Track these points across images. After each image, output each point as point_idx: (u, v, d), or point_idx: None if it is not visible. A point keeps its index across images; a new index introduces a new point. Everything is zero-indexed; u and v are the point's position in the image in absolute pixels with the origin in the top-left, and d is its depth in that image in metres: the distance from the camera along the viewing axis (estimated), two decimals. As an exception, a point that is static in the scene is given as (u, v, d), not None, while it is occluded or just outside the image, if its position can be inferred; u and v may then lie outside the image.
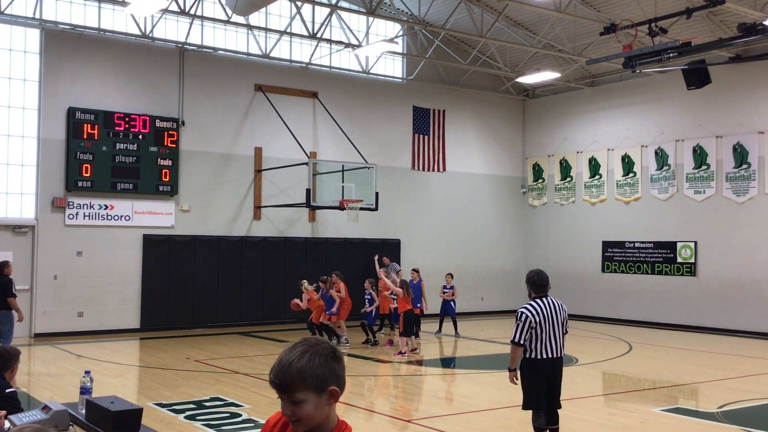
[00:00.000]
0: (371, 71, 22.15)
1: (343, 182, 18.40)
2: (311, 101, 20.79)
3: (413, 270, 17.19)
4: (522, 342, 7.26)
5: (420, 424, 9.08)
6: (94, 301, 17.48)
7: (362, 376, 13.26)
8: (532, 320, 7.21)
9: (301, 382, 2.36)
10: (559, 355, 7.39)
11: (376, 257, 18.42)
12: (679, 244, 20.40)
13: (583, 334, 18.73)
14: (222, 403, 9.90)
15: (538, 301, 7.35)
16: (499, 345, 16.61)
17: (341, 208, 17.82)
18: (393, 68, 22.83)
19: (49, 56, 17.20)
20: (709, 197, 19.80)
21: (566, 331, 7.48)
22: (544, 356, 7.29)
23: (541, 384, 7.38)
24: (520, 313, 7.28)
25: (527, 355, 7.37)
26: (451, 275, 18.24)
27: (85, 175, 17.26)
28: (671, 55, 15.44)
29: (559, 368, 7.49)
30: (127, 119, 17.80)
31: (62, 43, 17.36)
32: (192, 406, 9.80)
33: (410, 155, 22.68)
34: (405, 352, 14.44)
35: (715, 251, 19.58)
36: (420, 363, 14.12)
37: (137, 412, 4.42)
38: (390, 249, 21.79)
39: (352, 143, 20.00)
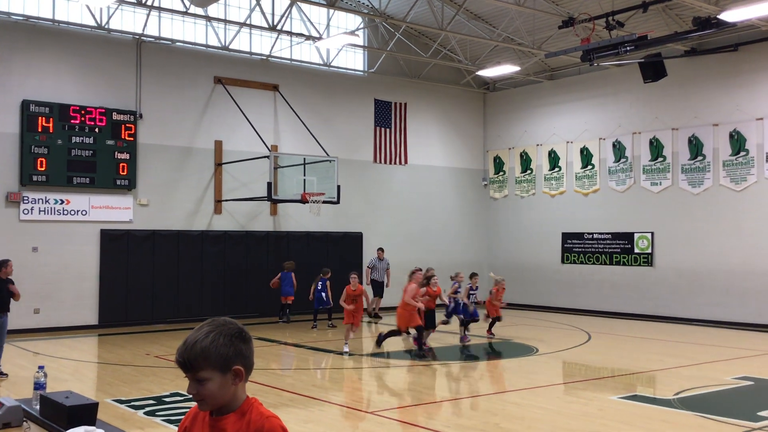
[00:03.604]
0: (332, 64, 22.07)
1: (304, 175, 18.32)
2: (272, 94, 20.64)
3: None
4: None
5: (381, 415, 9.09)
6: (51, 298, 17.16)
7: (323, 368, 13.26)
8: None
9: (204, 361, 2.42)
10: None
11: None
12: (636, 235, 20.74)
13: (543, 324, 18.96)
14: (182, 398, 9.80)
15: None
16: (458, 337, 16.71)
17: (303, 201, 17.76)
18: (354, 61, 22.78)
19: (2, 48, 16.77)
20: (666, 189, 20.16)
21: None
22: None
23: None
24: None
25: None
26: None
27: (40, 169, 16.91)
28: (628, 48, 15.70)
29: None
30: (82, 112, 17.47)
31: (15, 35, 16.95)
32: (152, 401, 9.68)
33: (372, 148, 22.67)
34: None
35: (672, 242, 19.95)
36: (386, 355, 14.14)
37: (92, 407, 4.35)
38: (352, 242, 21.79)
39: (313, 136, 19.92)
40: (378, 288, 20.09)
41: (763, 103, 18.31)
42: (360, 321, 14.80)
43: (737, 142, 18.73)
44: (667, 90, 19.79)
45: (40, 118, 16.94)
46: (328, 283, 17.73)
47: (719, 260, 18.91)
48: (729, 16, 14.81)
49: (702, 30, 15.48)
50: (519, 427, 8.88)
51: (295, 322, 18.69)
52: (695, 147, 19.56)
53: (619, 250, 21.13)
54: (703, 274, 19.26)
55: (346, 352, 13.70)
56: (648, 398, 10.35)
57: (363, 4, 20.87)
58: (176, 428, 8.15)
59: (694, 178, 19.55)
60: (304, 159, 18.71)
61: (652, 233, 20.37)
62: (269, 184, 17.38)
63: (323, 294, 17.66)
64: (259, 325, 17.65)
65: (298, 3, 19.63)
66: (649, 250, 20.42)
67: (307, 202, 17.70)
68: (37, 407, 4.68)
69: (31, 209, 16.97)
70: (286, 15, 19.71)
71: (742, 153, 18.62)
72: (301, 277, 18.68)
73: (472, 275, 16.42)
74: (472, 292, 15.99)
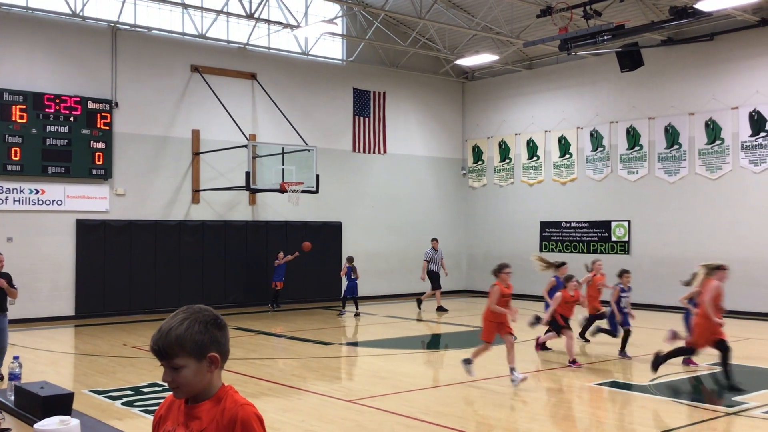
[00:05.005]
0: (311, 53, 21.95)
1: (283, 165, 18.24)
2: (250, 83, 20.50)
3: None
4: None
5: (361, 403, 9.11)
6: (26, 289, 16.89)
7: (304, 358, 13.25)
8: None
9: (179, 348, 2.41)
10: None
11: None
12: (613, 224, 20.91)
13: (522, 312, 19.03)
14: (160, 388, 9.75)
15: None
16: (438, 325, 16.81)
17: (282, 191, 17.69)
18: (333, 50, 22.67)
19: (-27, 35, 16.51)
20: (642, 177, 20.33)
21: None
22: None
23: None
24: None
25: None
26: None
27: (14, 158, 16.68)
28: (605, 37, 15.76)
29: None
30: (57, 101, 17.24)
31: (-13, 22, 16.68)
32: (129, 392, 9.63)
33: (351, 137, 22.61)
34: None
35: (648, 230, 20.14)
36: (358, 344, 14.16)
37: (68, 397, 4.30)
38: (331, 232, 21.76)
39: (292, 125, 19.82)
40: (436, 280, 19.72)
41: (739, 93, 18.48)
42: None
43: (713, 131, 18.91)
44: (643, 79, 19.93)
45: (14, 106, 16.69)
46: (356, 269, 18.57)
47: (695, 248, 19.11)
48: (705, 5, 14.90)
49: (678, 19, 15.58)
50: (497, 413, 8.94)
51: (284, 311, 18.88)
52: (671, 136, 19.72)
53: (596, 239, 21.29)
54: (678, 262, 19.44)
55: (520, 378, 10.09)
56: (625, 384, 10.46)
57: (341, -8, 20.75)
58: (154, 418, 8.12)
59: (670, 166, 19.72)
60: (283, 148, 18.62)
61: (629, 221, 20.54)
62: (247, 173, 17.29)
63: (356, 282, 18.30)
64: (238, 315, 17.59)
65: (276, -9, 19.46)
66: (626, 239, 20.59)
67: (286, 191, 17.64)
68: (12, 398, 4.62)
69: (6, 199, 16.74)
70: (263, 3, 19.55)
71: (718, 142, 18.81)
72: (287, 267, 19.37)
73: (622, 272, 13.34)
74: (623, 294, 13.11)
